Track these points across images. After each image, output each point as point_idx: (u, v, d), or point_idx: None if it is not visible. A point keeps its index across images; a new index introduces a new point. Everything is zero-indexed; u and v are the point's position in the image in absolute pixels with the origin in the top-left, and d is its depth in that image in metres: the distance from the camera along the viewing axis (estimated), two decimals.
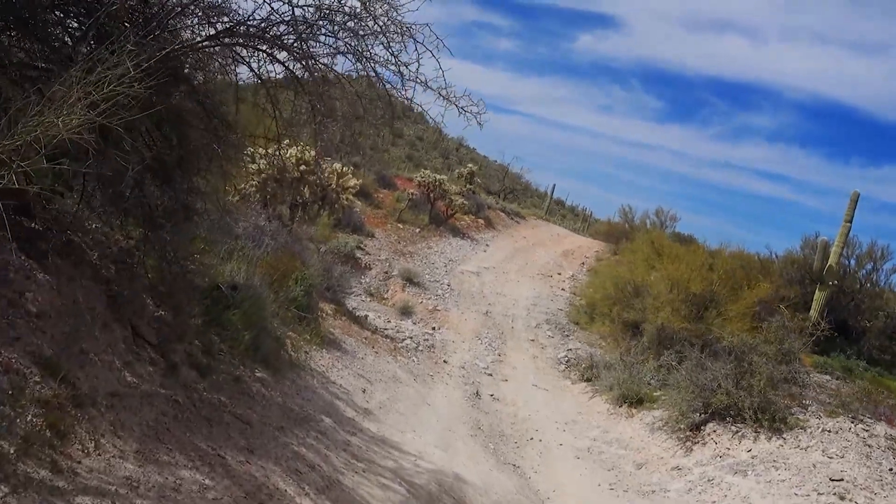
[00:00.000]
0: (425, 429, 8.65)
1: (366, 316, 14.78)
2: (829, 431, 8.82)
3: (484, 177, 26.75)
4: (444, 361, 13.46)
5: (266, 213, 12.33)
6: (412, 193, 21.44)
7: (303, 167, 12.72)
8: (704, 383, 9.48)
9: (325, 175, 12.78)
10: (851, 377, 14.00)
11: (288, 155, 12.67)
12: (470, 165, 25.14)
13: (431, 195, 21.55)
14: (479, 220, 23.27)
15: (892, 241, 25.69)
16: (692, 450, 9.46)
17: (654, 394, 11.98)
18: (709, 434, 9.46)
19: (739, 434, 9.08)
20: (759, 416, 8.74)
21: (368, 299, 17.22)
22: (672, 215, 19.13)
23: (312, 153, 13.01)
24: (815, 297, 17.84)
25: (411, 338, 13.87)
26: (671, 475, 9.21)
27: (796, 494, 7.66)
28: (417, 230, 21.05)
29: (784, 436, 8.72)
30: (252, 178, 12.77)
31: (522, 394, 12.92)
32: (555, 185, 28.93)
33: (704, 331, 12.60)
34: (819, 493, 7.64)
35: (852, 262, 20.35)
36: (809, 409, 9.19)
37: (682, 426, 9.93)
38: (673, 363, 11.10)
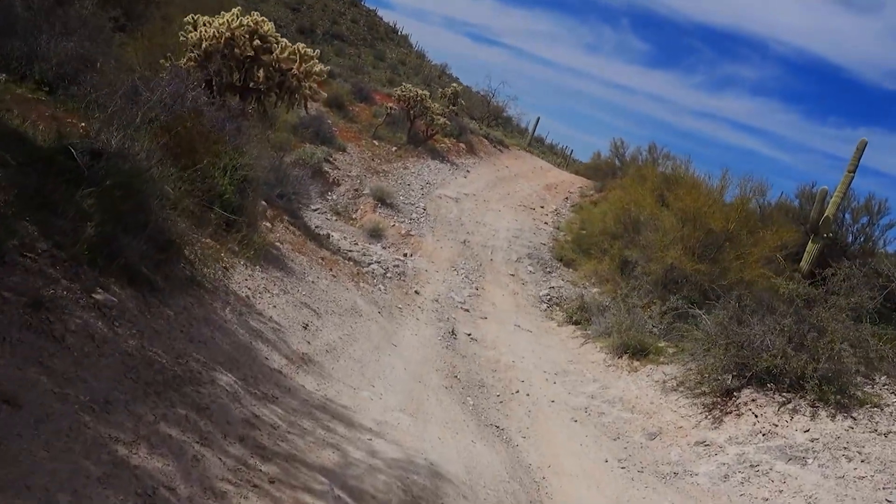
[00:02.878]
0: (389, 381, 5.94)
1: (328, 235, 11.88)
2: None
3: (468, 102, 23.52)
4: (416, 292, 10.71)
5: (199, 89, 9.14)
6: (390, 108, 18.19)
7: (257, 43, 9.52)
8: (744, 339, 6.89)
9: (284, 55, 9.64)
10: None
11: (238, 24, 9.39)
12: (454, 85, 21.80)
13: (411, 112, 18.34)
14: (461, 144, 20.19)
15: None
16: (722, 421, 6.95)
17: (660, 345, 9.45)
18: (745, 403, 6.94)
19: (790, 407, 6.56)
20: (823, 388, 6.20)
21: (334, 218, 14.27)
22: (665, 153, 16.42)
23: (270, 25, 9.72)
24: (807, 249, 15.38)
25: (379, 263, 11.04)
26: (696, 452, 6.71)
27: (889, 502, 5.18)
28: (394, 149, 17.93)
29: (853, 414, 6.22)
30: (190, 51, 9.50)
31: (504, 335, 10.29)
32: (539, 118, 25.80)
33: (719, 275, 10.00)
34: None
35: (847, 215, 17.90)
36: (878, 380, 6.70)
37: (706, 389, 7.40)
38: (692, 311, 8.52)
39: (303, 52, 10.04)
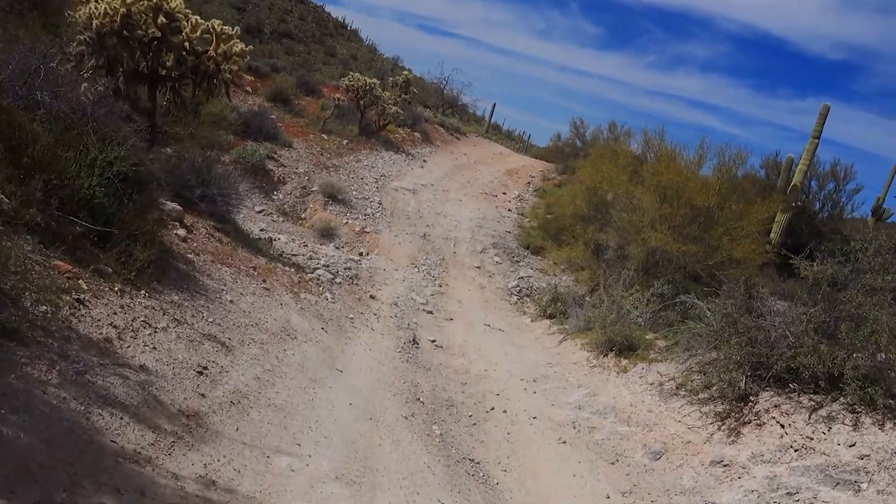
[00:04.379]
0: (324, 430, 4.28)
1: (270, 239, 10.11)
2: None
3: (422, 91, 21.81)
4: (371, 297, 9.04)
5: (100, 87, 7.28)
6: (339, 99, 16.36)
7: (162, 21, 7.67)
8: (760, 333, 5.44)
9: (196, 34, 7.80)
10: None
11: None
12: (405, 72, 20.00)
13: (361, 102, 16.54)
14: (416, 133, 18.48)
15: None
16: (740, 433, 5.50)
17: (647, 337, 7.99)
18: (766, 410, 5.49)
19: (823, 414, 5.13)
20: (866, 390, 4.78)
21: (281, 219, 12.47)
22: (626, 131, 15.03)
23: (178, 0, 7.85)
24: (776, 220, 14.17)
25: (327, 266, 9.32)
26: (714, 475, 5.24)
27: None
28: (345, 142, 16.13)
29: None
30: (80, 33, 7.60)
31: (473, 337, 8.72)
32: (495, 105, 24.21)
33: (705, 254, 8.58)
34: None
35: (813, 183, 16.76)
36: None
37: (714, 393, 5.94)
38: (686, 298, 7.08)
39: (219, 30, 8.21)
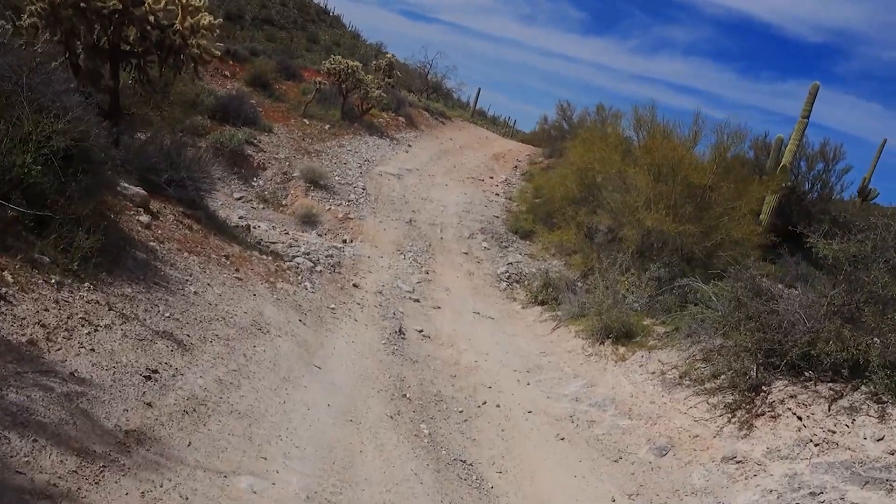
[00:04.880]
0: (297, 438, 3.70)
1: (248, 226, 9.45)
2: None
3: (406, 76, 21.04)
4: (354, 286, 8.43)
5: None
6: (320, 83, 15.60)
7: None
8: (772, 317, 4.93)
9: (160, 5, 7.06)
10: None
11: None
12: (388, 55, 19.20)
13: (344, 86, 15.79)
14: (400, 118, 17.76)
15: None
16: (753, 426, 4.99)
17: (644, 323, 7.48)
18: (781, 400, 4.99)
19: (844, 405, 4.64)
20: (893, 378, 4.28)
21: (261, 206, 11.80)
22: (615, 113, 14.44)
23: None
24: (766, 200, 13.72)
25: (307, 254, 8.68)
26: (727, 473, 4.74)
27: None
28: (327, 126, 15.40)
29: None
30: (31, 3, 6.84)
31: (462, 326, 8.16)
32: (479, 90, 23.51)
33: (702, 235, 8.07)
34: None
35: (802, 163, 16.32)
36: None
37: (723, 383, 5.44)
38: (690, 281, 6.56)
39: (185, 1, 7.47)
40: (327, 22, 32.69)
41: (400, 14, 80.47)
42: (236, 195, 11.89)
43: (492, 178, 16.17)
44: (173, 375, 3.49)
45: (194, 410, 3.31)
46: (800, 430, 4.71)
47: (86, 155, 4.69)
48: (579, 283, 9.18)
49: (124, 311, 3.83)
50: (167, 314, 4.20)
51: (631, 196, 8.40)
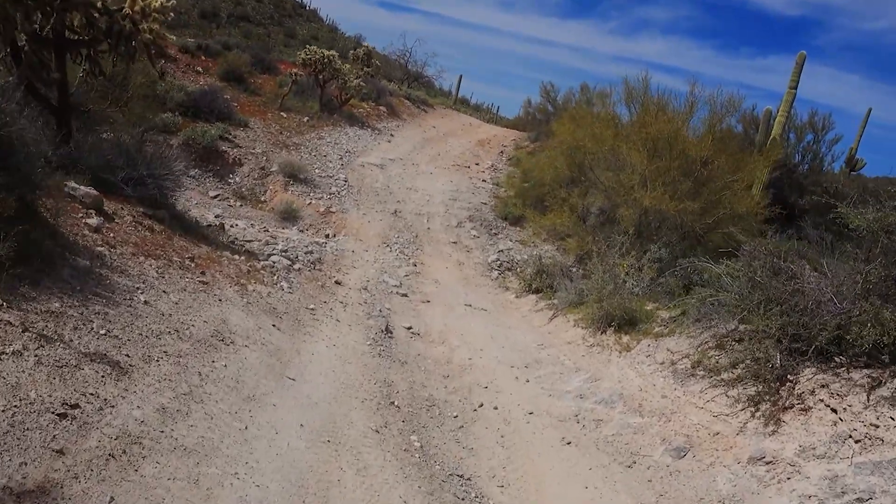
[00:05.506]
0: (258, 474, 3.02)
1: (221, 225, 8.70)
2: None
3: (386, 66, 20.19)
4: (337, 282, 7.73)
5: None
6: (296, 74, 14.77)
7: None
8: (796, 298, 4.30)
9: None
10: None
11: None
12: (365, 44, 18.38)
13: (321, 77, 14.97)
14: (381, 107, 16.96)
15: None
16: (781, 421, 4.37)
17: (647, 308, 6.84)
18: (811, 391, 4.37)
19: (887, 395, 4.02)
20: None
21: (239, 203, 11.06)
22: (602, 92, 13.69)
23: None
24: (756, 174, 13.15)
25: (285, 251, 7.96)
26: (756, 476, 4.12)
27: None
28: (306, 119, 14.59)
29: None
30: None
31: (453, 320, 7.49)
32: (461, 77, 22.71)
33: (702, 212, 7.44)
34: None
35: (792, 135, 15.72)
36: None
37: (743, 373, 4.81)
38: (698, 262, 5.92)
39: None
40: (304, 16, 31.68)
41: (377, 5, 78.96)
42: (212, 193, 11.12)
43: (478, 164, 15.46)
44: (100, 409, 2.79)
45: (124, 453, 2.61)
46: (836, 425, 4.09)
47: (8, 148, 3.96)
48: (574, 269, 8.54)
49: (45, 332, 3.12)
50: (103, 331, 3.48)
51: (625, 174, 7.74)
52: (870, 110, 16.87)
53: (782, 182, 14.26)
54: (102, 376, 3.02)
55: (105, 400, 2.86)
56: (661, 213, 7.44)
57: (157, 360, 3.50)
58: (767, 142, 13.26)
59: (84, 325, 3.44)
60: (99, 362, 3.12)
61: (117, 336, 3.51)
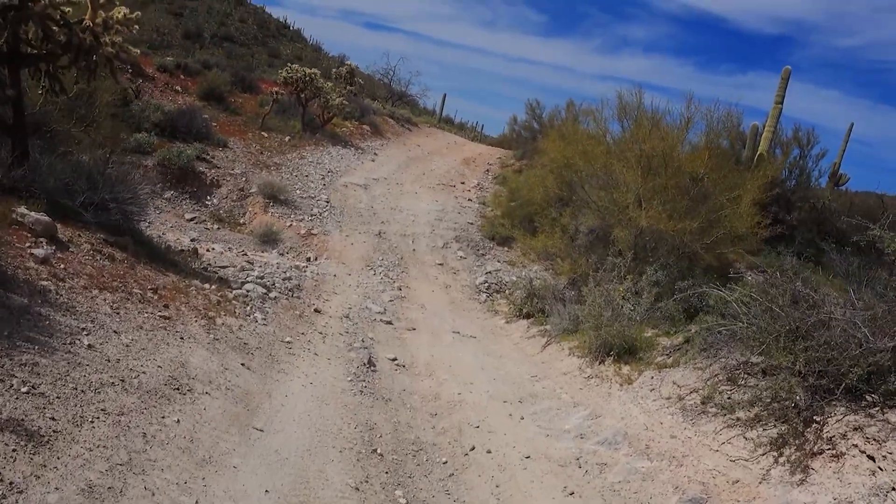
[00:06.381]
0: None
1: (195, 250, 8.07)
2: None
3: (369, 85, 19.78)
4: (316, 311, 7.15)
5: None
6: (277, 93, 14.26)
7: None
8: (823, 333, 3.82)
9: None
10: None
11: None
12: (349, 63, 17.89)
13: (302, 95, 14.48)
14: (364, 126, 16.50)
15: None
16: (809, 469, 3.86)
17: (646, 334, 6.35)
18: (843, 435, 3.87)
19: None
20: None
21: (216, 226, 10.46)
22: (587, 109, 13.40)
23: None
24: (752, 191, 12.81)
25: (260, 278, 7.36)
26: None
27: None
28: (287, 138, 14.06)
29: None
30: None
31: (441, 350, 6.93)
32: (445, 95, 22.38)
33: (701, 232, 7.00)
34: None
35: (778, 150, 15.49)
36: None
37: (763, 412, 4.30)
38: (703, 288, 5.45)
39: None
40: (288, 37, 31.28)
41: (361, 26, 79.10)
42: (188, 216, 10.51)
43: (463, 183, 15.00)
44: (2, 497, 2.20)
45: None
46: (874, 475, 3.59)
47: None
48: (567, 291, 8.04)
49: None
50: (27, 388, 2.88)
51: (619, 193, 7.29)
52: (852, 125, 16.71)
53: (771, 198, 14.01)
54: (12, 451, 2.42)
55: (11, 484, 2.27)
56: (658, 233, 6.98)
57: (92, 422, 2.91)
58: (755, 157, 13.02)
59: (3, 380, 2.84)
60: (11, 432, 2.52)
61: (43, 393, 2.91)
